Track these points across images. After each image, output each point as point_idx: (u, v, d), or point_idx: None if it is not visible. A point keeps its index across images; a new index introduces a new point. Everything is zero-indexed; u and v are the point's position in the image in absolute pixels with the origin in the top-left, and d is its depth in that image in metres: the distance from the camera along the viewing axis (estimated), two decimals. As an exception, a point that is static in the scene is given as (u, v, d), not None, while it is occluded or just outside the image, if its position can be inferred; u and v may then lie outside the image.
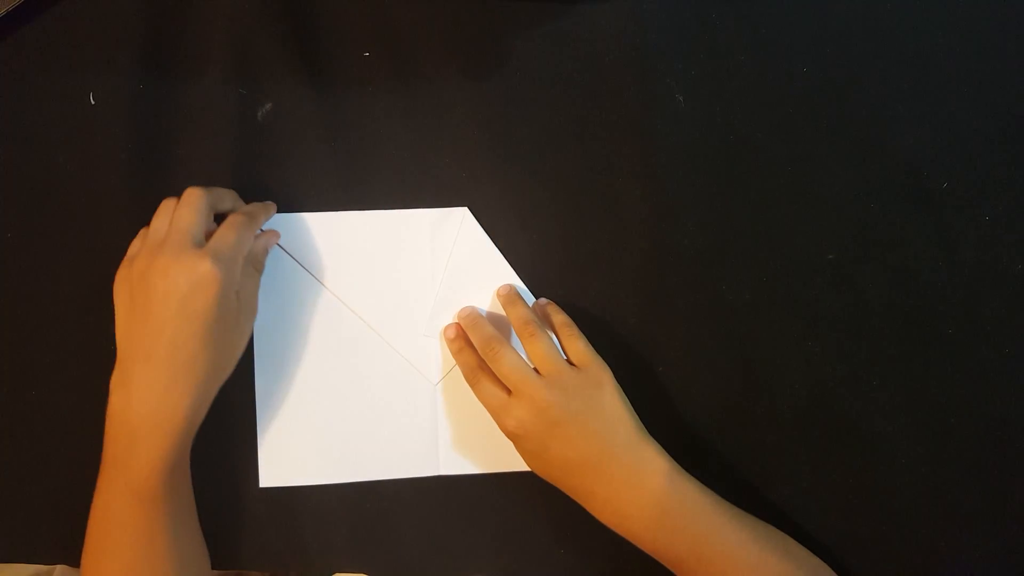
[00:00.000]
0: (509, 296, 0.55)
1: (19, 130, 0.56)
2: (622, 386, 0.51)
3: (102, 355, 0.55)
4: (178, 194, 0.56)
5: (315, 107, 0.57)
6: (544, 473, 0.52)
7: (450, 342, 0.55)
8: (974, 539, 0.56)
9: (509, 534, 0.56)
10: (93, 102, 0.56)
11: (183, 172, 0.56)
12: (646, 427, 0.51)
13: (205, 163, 0.56)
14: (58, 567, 0.55)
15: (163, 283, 0.46)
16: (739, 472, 0.56)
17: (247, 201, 0.56)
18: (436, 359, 0.56)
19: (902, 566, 0.56)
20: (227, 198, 0.53)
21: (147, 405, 0.46)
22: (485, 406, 0.52)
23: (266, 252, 0.54)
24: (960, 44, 0.58)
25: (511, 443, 0.55)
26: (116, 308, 0.49)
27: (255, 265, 0.53)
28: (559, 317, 0.54)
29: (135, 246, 0.51)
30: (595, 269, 0.57)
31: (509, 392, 0.51)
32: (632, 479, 0.49)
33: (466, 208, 0.57)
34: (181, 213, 0.49)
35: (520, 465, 0.55)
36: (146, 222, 0.56)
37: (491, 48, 0.58)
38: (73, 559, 0.55)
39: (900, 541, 0.56)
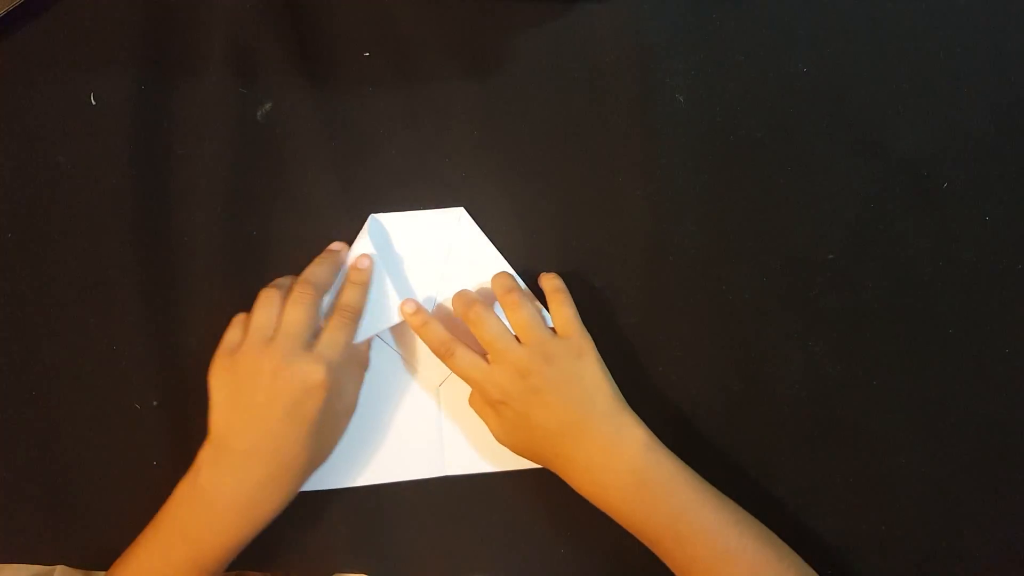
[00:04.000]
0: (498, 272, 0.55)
1: (19, 130, 0.56)
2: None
3: (102, 355, 0.55)
4: (175, 193, 0.56)
5: (315, 107, 0.57)
6: (521, 445, 0.52)
7: (410, 316, 0.52)
8: (974, 539, 0.56)
9: (509, 534, 0.56)
10: (93, 102, 0.56)
11: (183, 172, 0.56)
12: (646, 427, 0.51)
13: (205, 163, 0.56)
14: (58, 567, 0.55)
15: (273, 386, 0.47)
16: (739, 471, 0.56)
17: (244, 202, 0.56)
18: (438, 360, 0.56)
19: (902, 566, 0.56)
20: (329, 278, 0.52)
21: (241, 494, 0.48)
22: (463, 376, 0.51)
23: (369, 347, 0.54)
24: (960, 44, 0.58)
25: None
26: (213, 394, 0.49)
27: (361, 361, 0.53)
28: (554, 282, 0.54)
29: (234, 335, 0.50)
30: (595, 269, 0.57)
31: (487, 361, 0.51)
32: (610, 447, 0.49)
33: (462, 208, 0.57)
34: (292, 313, 0.49)
35: (524, 464, 0.56)
36: (146, 222, 0.56)
37: (491, 48, 0.58)
38: (73, 559, 0.55)
39: (900, 541, 0.56)
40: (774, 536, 0.50)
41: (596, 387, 0.50)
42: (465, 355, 0.51)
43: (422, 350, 0.56)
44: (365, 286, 0.53)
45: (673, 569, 0.49)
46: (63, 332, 0.55)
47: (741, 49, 0.58)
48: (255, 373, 0.48)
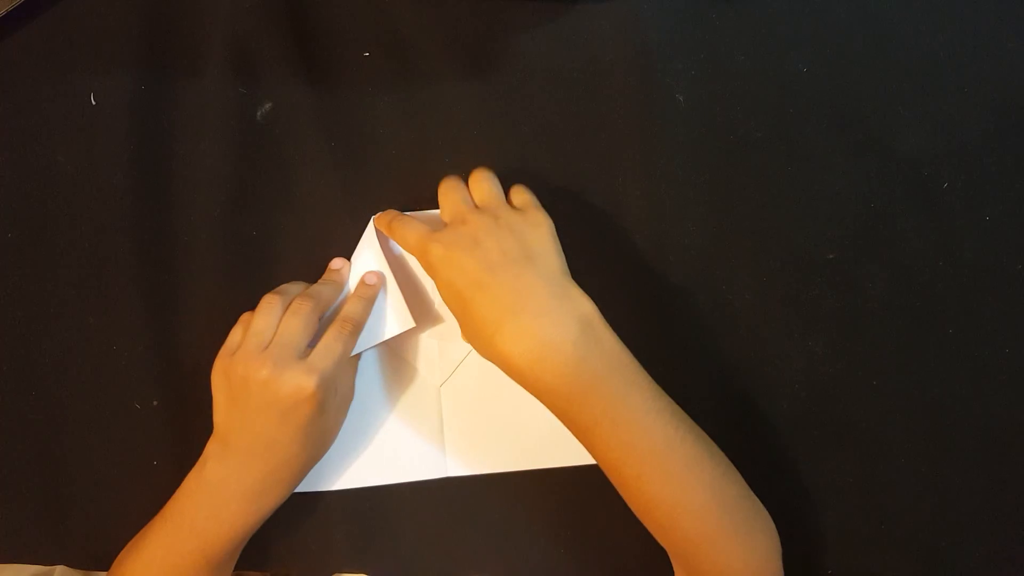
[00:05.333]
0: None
1: (19, 130, 0.56)
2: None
3: (102, 355, 0.55)
4: (175, 193, 0.56)
5: (315, 107, 0.57)
6: (461, 310, 0.48)
7: (378, 220, 0.55)
8: (974, 539, 0.56)
9: (509, 534, 0.56)
10: (93, 102, 0.56)
11: (183, 172, 0.56)
12: (592, 302, 0.49)
13: (205, 163, 0.56)
14: (58, 567, 0.55)
15: (265, 394, 0.48)
16: (738, 471, 0.56)
17: (244, 202, 0.56)
18: (439, 361, 0.56)
19: (902, 566, 0.56)
20: (331, 296, 0.53)
21: (243, 487, 0.49)
22: (411, 241, 0.50)
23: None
24: (960, 44, 0.58)
25: (518, 442, 0.55)
26: (214, 393, 0.50)
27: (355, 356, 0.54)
28: (517, 185, 0.53)
29: (236, 335, 0.51)
30: (595, 269, 0.57)
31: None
32: (553, 315, 0.45)
33: (463, 208, 0.57)
34: (288, 324, 0.49)
35: (524, 465, 0.56)
36: (146, 222, 0.56)
37: (491, 48, 0.58)
38: (73, 559, 0.55)
39: (900, 541, 0.56)
40: (702, 431, 0.49)
41: (544, 257, 0.48)
42: (412, 222, 0.51)
43: (424, 351, 0.56)
44: (370, 301, 0.53)
45: (607, 460, 0.46)
46: (63, 332, 0.55)
47: (741, 49, 0.58)
48: (249, 379, 0.48)
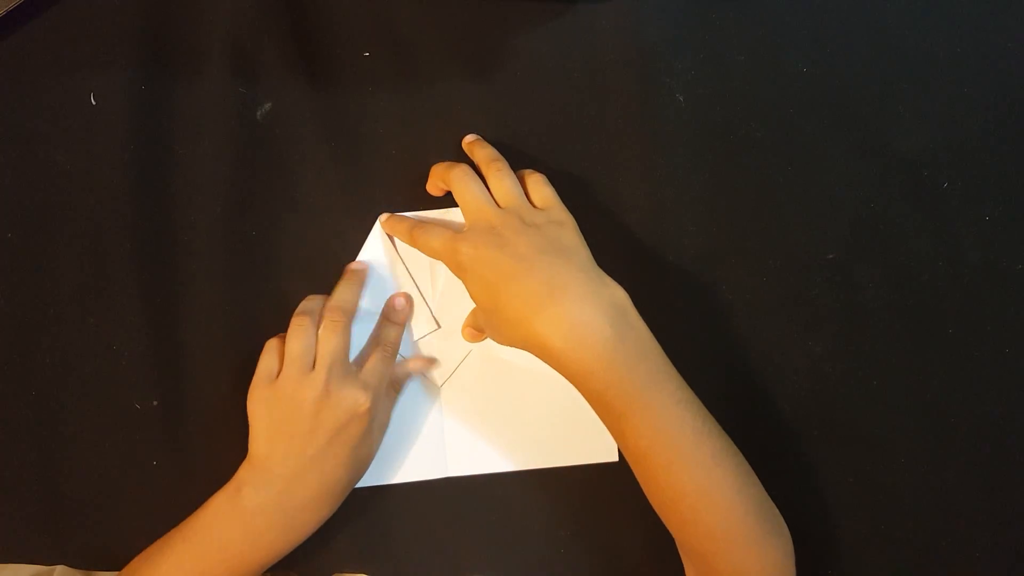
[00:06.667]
0: (477, 139, 0.55)
1: (19, 130, 0.56)
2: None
3: (102, 355, 0.55)
4: (175, 193, 0.56)
5: (315, 107, 0.57)
6: (493, 305, 0.48)
7: (384, 223, 0.56)
8: (974, 539, 0.56)
9: (509, 534, 0.56)
10: (93, 102, 0.56)
11: (183, 172, 0.56)
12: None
13: (205, 163, 0.56)
14: (58, 567, 0.55)
15: (319, 414, 0.49)
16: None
17: (244, 202, 0.56)
18: (439, 361, 0.56)
19: (902, 566, 0.56)
20: (356, 300, 0.54)
21: (283, 515, 0.49)
22: (436, 247, 0.50)
23: (408, 377, 0.56)
24: (960, 44, 0.58)
25: (518, 442, 0.55)
26: (253, 422, 0.50)
27: (396, 387, 0.55)
28: (534, 175, 0.53)
29: (269, 363, 0.51)
30: (595, 269, 0.57)
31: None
32: (590, 298, 0.46)
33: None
34: (329, 341, 0.50)
35: (524, 465, 0.56)
36: (146, 222, 0.56)
37: (491, 48, 0.58)
38: (73, 559, 0.55)
39: (900, 541, 0.56)
40: (722, 429, 0.49)
41: (574, 250, 0.48)
42: (434, 227, 0.51)
43: (424, 351, 0.56)
44: (402, 325, 0.55)
45: (637, 447, 0.46)
46: (63, 332, 0.55)
47: (741, 49, 0.58)
48: (298, 403, 0.48)
